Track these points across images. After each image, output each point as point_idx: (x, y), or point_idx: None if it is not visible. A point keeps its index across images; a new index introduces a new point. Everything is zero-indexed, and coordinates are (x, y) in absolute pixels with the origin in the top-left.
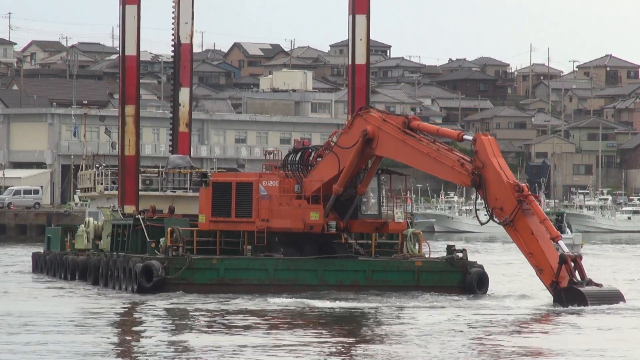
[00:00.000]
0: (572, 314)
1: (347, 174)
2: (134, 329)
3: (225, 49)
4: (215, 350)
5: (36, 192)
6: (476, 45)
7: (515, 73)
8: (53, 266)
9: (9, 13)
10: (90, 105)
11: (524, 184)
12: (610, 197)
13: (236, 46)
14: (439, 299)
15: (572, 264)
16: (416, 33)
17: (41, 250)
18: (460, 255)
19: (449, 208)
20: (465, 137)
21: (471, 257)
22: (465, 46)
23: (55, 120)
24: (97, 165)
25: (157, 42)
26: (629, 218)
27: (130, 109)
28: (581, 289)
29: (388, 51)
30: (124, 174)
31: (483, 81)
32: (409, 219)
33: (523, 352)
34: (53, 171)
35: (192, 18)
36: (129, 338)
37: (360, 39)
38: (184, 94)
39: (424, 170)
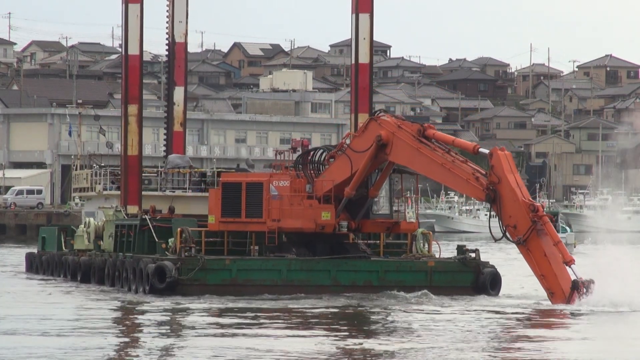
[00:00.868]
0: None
1: (360, 177)
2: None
3: (225, 49)
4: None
5: (39, 192)
6: (476, 45)
7: (515, 73)
8: (50, 266)
9: (9, 13)
10: (89, 105)
11: (538, 204)
12: (610, 197)
13: (236, 46)
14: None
15: (585, 290)
16: (416, 33)
17: (35, 250)
18: (473, 255)
19: (449, 208)
20: (481, 150)
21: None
22: (465, 46)
23: (55, 120)
24: (93, 165)
25: (157, 42)
26: (629, 218)
27: (133, 109)
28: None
29: (388, 51)
30: (127, 174)
31: (483, 81)
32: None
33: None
34: (53, 171)
35: (187, 17)
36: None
37: (364, 38)
38: (178, 93)
39: (438, 181)
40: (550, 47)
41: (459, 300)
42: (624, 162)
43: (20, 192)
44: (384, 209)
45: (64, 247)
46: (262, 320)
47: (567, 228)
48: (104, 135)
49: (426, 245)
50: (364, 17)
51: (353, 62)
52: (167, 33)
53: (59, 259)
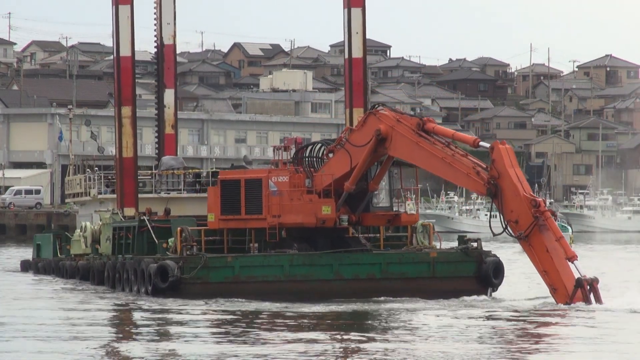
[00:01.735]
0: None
1: (359, 171)
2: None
3: (225, 49)
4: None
5: (37, 192)
6: (476, 45)
7: (515, 73)
8: (48, 273)
9: (9, 13)
10: (85, 107)
11: (540, 199)
12: (610, 197)
13: (236, 46)
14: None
15: (588, 288)
16: (416, 33)
17: (29, 257)
18: (475, 244)
19: (449, 208)
20: (481, 143)
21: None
22: (465, 46)
23: (55, 121)
24: (88, 169)
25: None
26: (629, 218)
27: (126, 110)
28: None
29: (388, 51)
30: (123, 176)
31: (483, 81)
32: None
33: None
34: (53, 171)
35: (175, 18)
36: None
37: (357, 33)
38: (169, 96)
39: (438, 175)
40: (550, 47)
41: (474, 303)
42: (624, 162)
43: (18, 192)
44: (384, 202)
45: (59, 253)
46: (262, 321)
47: (568, 227)
48: (95, 140)
49: (427, 238)
50: (356, 12)
51: (346, 57)
52: (155, 36)
53: (55, 264)
